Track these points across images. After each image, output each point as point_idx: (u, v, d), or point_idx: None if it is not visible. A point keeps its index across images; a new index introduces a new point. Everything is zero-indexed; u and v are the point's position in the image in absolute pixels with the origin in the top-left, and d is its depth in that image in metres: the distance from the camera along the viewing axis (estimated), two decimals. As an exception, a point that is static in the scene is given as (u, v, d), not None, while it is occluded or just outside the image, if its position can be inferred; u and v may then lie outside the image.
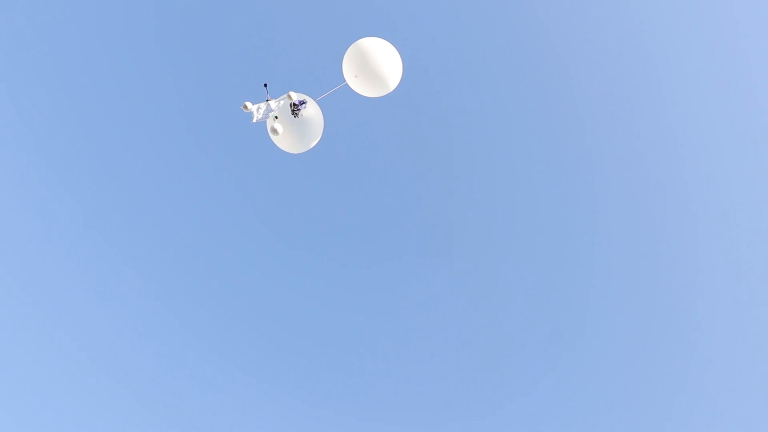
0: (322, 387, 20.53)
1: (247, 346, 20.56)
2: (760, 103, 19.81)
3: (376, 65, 9.91)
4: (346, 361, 20.73)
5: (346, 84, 10.10)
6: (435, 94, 20.61)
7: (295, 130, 9.77)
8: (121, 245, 20.11)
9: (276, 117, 9.58)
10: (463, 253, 21.19)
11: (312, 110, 9.86)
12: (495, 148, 21.11)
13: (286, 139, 9.88)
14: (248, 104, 9.29)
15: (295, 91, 9.56)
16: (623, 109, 20.66)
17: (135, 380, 19.98)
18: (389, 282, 21.11)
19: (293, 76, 19.27)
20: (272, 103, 9.52)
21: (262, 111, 9.52)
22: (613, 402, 20.22)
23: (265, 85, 9.42)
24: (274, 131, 9.56)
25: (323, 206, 20.85)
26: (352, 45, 10.01)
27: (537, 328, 20.91)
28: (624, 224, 20.92)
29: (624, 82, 20.51)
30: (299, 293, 20.90)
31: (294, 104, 9.58)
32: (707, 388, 19.96)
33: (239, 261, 20.81)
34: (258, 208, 20.93)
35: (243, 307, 20.71)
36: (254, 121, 9.44)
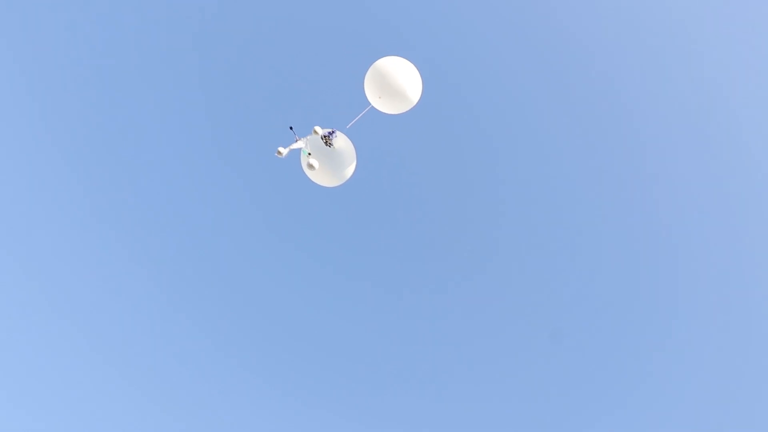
0: (324, 388, 20.85)
1: (256, 351, 21.05)
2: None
3: (397, 82, 9.95)
4: (347, 363, 21.01)
5: (371, 107, 10.15)
6: (455, 101, 20.90)
7: (329, 163, 9.93)
8: (133, 246, 21.44)
9: (309, 153, 9.82)
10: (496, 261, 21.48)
11: (342, 141, 10.06)
12: (500, 149, 21.29)
13: (322, 173, 9.99)
14: (281, 149, 9.61)
15: (321, 127, 9.86)
16: (623, 112, 20.78)
17: (135, 379, 20.25)
18: (425, 291, 21.77)
19: (315, 112, 21.28)
20: (301, 143, 9.82)
21: (294, 150, 9.85)
22: (619, 402, 20.54)
23: (291, 128, 9.74)
24: (311, 167, 9.73)
25: (358, 219, 22.00)
26: (371, 68, 10.16)
27: (540, 330, 21.19)
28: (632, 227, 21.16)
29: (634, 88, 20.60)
30: (314, 301, 21.45)
31: (324, 136, 9.88)
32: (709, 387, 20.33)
33: (268, 274, 22.50)
34: (294, 227, 22.55)
35: (272, 316, 22.34)
36: (284, 155, 9.73)
